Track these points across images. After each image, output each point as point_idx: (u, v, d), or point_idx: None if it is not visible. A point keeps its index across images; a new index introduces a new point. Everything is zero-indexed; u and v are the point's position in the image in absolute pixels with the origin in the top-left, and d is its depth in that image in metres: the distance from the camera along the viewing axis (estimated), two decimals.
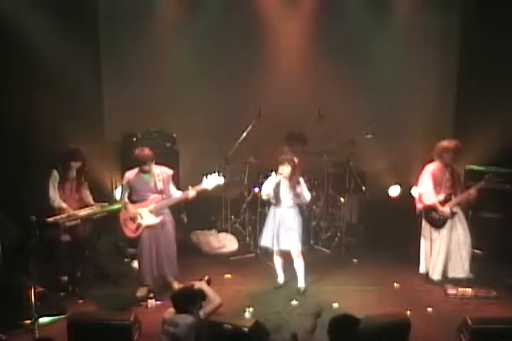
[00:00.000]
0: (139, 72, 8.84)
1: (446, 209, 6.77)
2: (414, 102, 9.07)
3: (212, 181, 6.47)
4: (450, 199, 6.81)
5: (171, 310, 5.13)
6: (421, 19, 8.76)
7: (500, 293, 6.57)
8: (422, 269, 7.06)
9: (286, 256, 6.79)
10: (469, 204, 6.97)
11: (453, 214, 6.80)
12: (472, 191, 6.75)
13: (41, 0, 7.61)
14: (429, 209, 6.85)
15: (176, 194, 6.65)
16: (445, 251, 6.82)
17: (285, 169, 6.51)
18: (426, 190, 6.86)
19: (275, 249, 6.74)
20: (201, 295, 5.19)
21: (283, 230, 6.63)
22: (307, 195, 6.67)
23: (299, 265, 6.74)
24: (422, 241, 7.02)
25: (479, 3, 8.42)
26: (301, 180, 6.65)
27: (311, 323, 4.89)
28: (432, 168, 6.87)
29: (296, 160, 6.64)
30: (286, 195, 6.61)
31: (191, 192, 6.51)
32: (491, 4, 8.19)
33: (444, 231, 6.82)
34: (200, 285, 5.36)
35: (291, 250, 6.67)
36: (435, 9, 8.78)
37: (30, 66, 7.63)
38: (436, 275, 6.89)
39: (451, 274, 6.88)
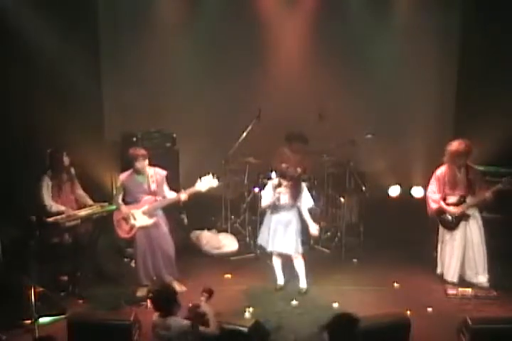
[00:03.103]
0: (139, 73, 8.85)
1: (454, 211, 6.72)
2: (414, 102, 9.08)
3: (205, 183, 6.45)
4: (464, 201, 6.73)
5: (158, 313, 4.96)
6: (421, 19, 8.76)
7: (500, 293, 6.57)
8: (438, 270, 7.03)
9: (286, 257, 6.78)
10: (485, 205, 6.87)
11: (466, 216, 6.73)
12: (487, 194, 6.63)
13: (42, 0, 7.61)
14: (441, 211, 6.82)
15: (170, 195, 6.64)
16: (460, 253, 6.76)
17: (283, 183, 6.48)
18: (430, 195, 6.86)
19: (270, 249, 6.72)
20: (199, 315, 4.98)
21: (280, 232, 6.60)
22: (309, 200, 6.63)
23: (300, 266, 6.73)
24: (439, 241, 6.98)
25: (479, 3, 8.42)
26: (304, 186, 6.64)
27: None
28: (440, 172, 6.79)
29: (299, 170, 6.63)
30: (285, 199, 6.56)
31: (183, 195, 6.50)
32: (491, 4, 8.18)
33: (458, 233, 6.76)
34: (205, 307, 5.04)
35: (288, 252, 6.66)
36: (435, 9, 8.77)
37: (30, 66, 7.64)
38: (451, 277, 6.84)
39: (468, 278, 6.83)
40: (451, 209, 6.74)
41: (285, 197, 6.56)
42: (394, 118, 9.11)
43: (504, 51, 8.06)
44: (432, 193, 6.84)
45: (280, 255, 6.78)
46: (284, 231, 6.60)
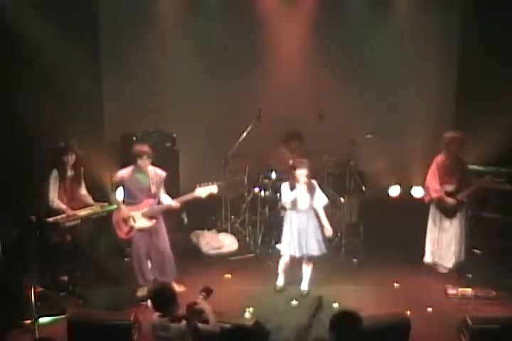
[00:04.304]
0: (139, 72, 8.85)
1: (453, 201, 6.90)
2: (414, 102, 9.09)
3: (205, 189, 6.43)
4: (461, 190, 6.90)
5: (157, 314, 4.93)
6: (421, 19, 8.78)
7: (500, 293, 6.56)
8: (427, 258, 7.19)
9: (295, 259, 6.74)
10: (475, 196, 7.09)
11: (463, 203, 6.93)
12: (483, 181, 6.90)
13: (42, 0, 7.61)
14: (441, 200, 6.98)
15: (164, 198, 6.62)
16: (457, 241, 7.00)
17: (304, 172, 6.43)
18: (431, 184, 7.03)
19: (298, 255, 6.61)
20: (197, 312, 4.95)
21: (309, 235, 6.54)
22: (323, 197, 6.61)
23: (308, 269, 6.72)
24: (431, 230, 7.14)
25: (479, 3, 8.43)
26: (315, 182, 6.63)
27: (308, 319, 4.85)
28: (439, 159, 6.99)
29: (305, 161, 6.62)
30: (303, 198, 6.53)
31: (174, 202, 6.52)
32: (490, 4, 8.19)
33: (456, 220, 6.99)
34: (203, 305, 5.02)
35: (314, 254, 6.60)
36: (435, 9, 8.79)
37: (30, 66, 7.63)
38: (448, 263, 7.11)
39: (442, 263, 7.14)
40: (450, 199, 6.92)
41: (302, 195, 6.53)
42: (394, 118, 9.12)
43: (504, 51, 8.06)
44: (433, 182, 7.00)
45: (291, 259, 6.72)
46: (306, 234, 6.55)
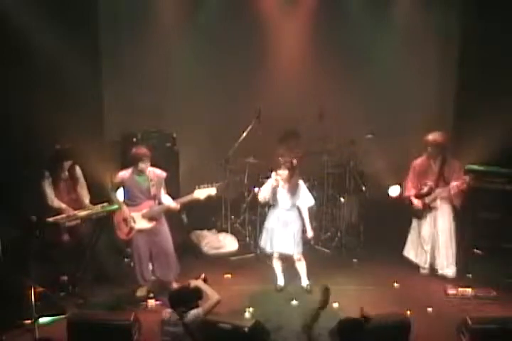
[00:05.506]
0: (139, 73, 8.85)
1: (416, 204, 6.97)
2: (414, 102, 9.09)
3: (204, 191, 6.43)
4: (430, 193, 6.92)
5: (169, 310, 5.09)
6: (421, 19, 8.78)
7: (500, 293, 6.58)
8: (405, 252, 7.32)
9: (287, 258, 6.77)
10: (461, 200, 7.00)
11: (430, 208, 6.95)
12: (450, 188, 6.81)
13: (42, 0, 7.61)
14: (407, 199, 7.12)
15: (165, 199, 6.62)
16: (430, 241, 7.04)
17: (282, 173, 6.47)
18: (405, 183, 7.16)
19: (271, 250, 6.71)
20: (198, 294, 5.15)
21: (278, 231, 6.59)
22: (309, 198, 6.62)
23: (301, 266, 6.73)
24: (411, 228, 7.28)
25: (479, 3, 8.43)
26: (301, 182, 6.62)
27: (312, 315, 4.88)
28: (416, 161, 7.07)
29: (294, 162, 6.60)
30: (283, 197, 6.56)
31: (173, 204, 6.53)
32: (490, 4, 8.19)
33: (425, 223, 7.05)
34: (197, 283, 5.30)
35: (288, 253, 6.65)
36: (435, 9, 8.79)
37: (30, 66, 7.63)
38: (423, 263, 7.18)
39: (438, 268, 7.10)
40: (415, 201, 6.99)
41: (283, 194, 6.54)
42: (394, 118, 9.12)
43: (504, 51, 8.06)
44: (407, 181, 7.13)
45: (281, 256, 6.77)
46: (282, 231, 6.58)
